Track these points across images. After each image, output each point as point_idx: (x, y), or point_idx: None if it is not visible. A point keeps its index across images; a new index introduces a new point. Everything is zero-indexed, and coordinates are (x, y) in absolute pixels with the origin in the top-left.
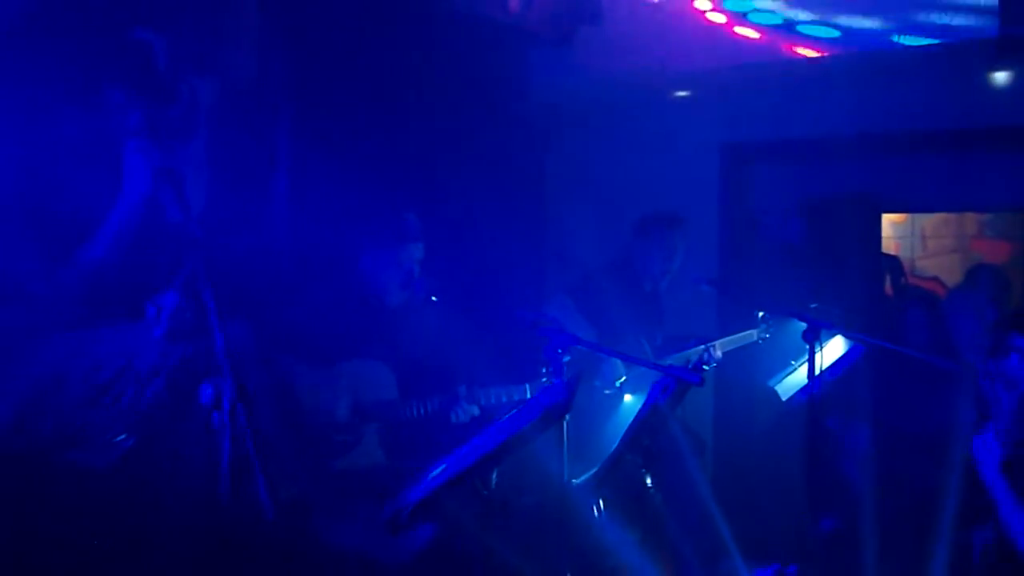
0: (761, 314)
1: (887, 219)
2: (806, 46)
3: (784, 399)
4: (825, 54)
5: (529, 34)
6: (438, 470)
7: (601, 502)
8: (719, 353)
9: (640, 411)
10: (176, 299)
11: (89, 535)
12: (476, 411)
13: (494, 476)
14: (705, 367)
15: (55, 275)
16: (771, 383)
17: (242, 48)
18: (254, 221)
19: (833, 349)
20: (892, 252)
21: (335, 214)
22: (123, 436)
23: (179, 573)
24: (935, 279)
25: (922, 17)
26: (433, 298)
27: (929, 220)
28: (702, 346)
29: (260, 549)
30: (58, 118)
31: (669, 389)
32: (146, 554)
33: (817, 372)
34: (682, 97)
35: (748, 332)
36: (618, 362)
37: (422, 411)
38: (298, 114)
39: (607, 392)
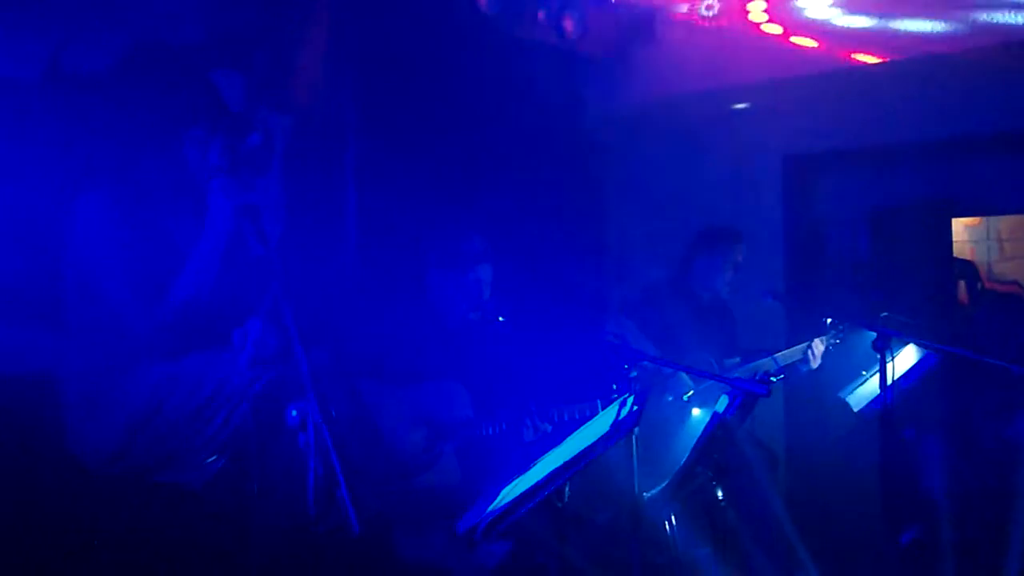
0: (829, 320)
1: (961, 223)
2: (866, 52)
3: (856, 410)
4: (886, 59)
5: (586, 56)
6: (512, 486)
7: (673, 516)
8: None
9: (708, 424)
10: (260, 327)
11: (182, 551)
12: (548, 428)
13: (567, 490)
14: (773, 379)
15: (150, 310)
16: (842, 394)
17: (311, 82)
18: (328, 248)
19: (905, 358)
20: (967, 257)
21: (404, 239)
22: (214, 457)
23: None
24: (1015, 283)
25: (986, 16)
26: (500, 318)
27: (1005, 222)
28: (768, 358)
29: (345, 564)
30: (146, 162)
31: (736, 401)
32: (236, 570)
33: (889, 382)
34: (742, 109)
35: (815, 340)
36: (685, 376)
37: (496, 429)
38: (365, 142)
39: (682, 398)
